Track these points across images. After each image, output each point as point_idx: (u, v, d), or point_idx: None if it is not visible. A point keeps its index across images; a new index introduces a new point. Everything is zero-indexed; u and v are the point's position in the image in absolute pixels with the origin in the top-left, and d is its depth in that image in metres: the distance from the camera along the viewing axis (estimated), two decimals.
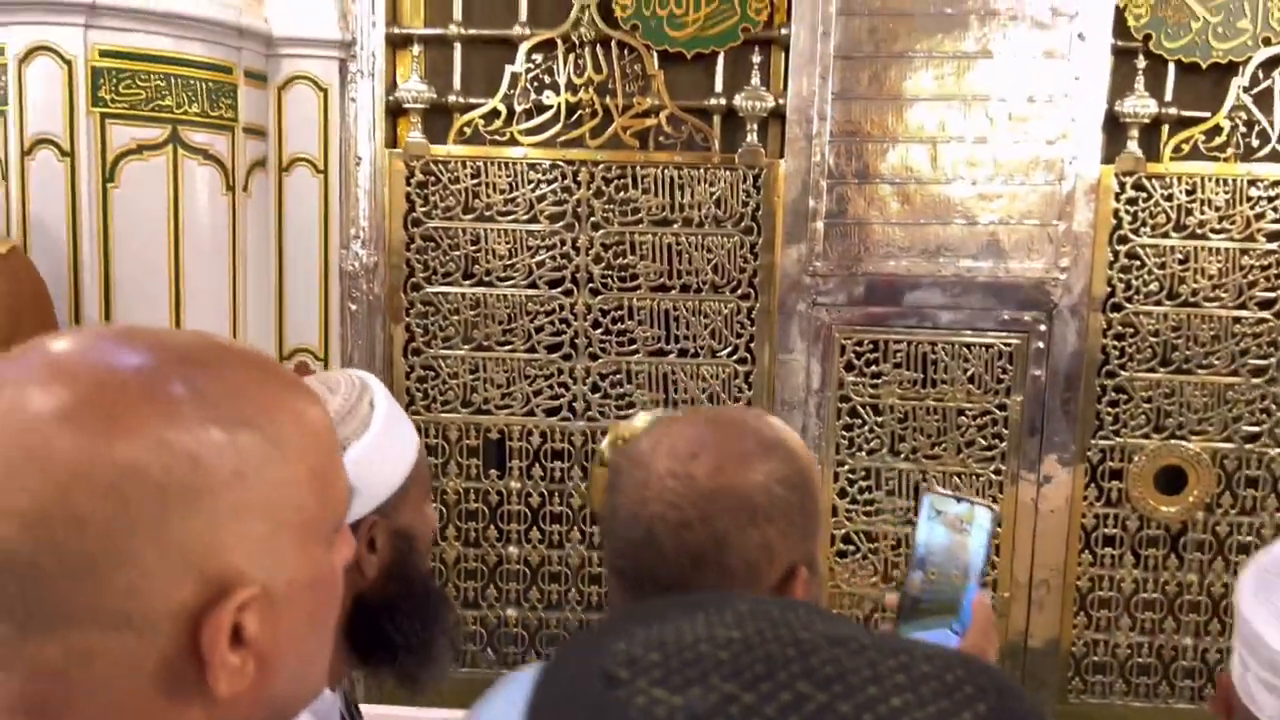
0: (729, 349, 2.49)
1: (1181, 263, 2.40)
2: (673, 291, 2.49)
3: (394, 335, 2.52)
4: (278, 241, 2.44)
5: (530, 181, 2.46)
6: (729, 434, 0.89)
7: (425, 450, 1.10)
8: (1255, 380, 2.41)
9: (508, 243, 2.48)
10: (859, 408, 2.48)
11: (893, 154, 2.40)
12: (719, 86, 2.44)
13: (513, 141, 2.46)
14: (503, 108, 2.45)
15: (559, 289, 2.49)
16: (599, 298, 2.48)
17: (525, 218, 2.47)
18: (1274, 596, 0.85)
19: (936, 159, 2.39)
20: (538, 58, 2.44)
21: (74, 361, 0.53)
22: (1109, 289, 2.42)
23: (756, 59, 2.42)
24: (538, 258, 2.48)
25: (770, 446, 0.89)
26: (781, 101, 2.41)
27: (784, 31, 2.39)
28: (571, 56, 2.43)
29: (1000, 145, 2.38)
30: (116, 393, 0.52)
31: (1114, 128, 2.39)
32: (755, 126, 2.43)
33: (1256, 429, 2.43)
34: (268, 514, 0.54)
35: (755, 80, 2.42)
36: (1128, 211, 2.40)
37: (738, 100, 2.42)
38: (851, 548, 2.52)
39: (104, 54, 2.12)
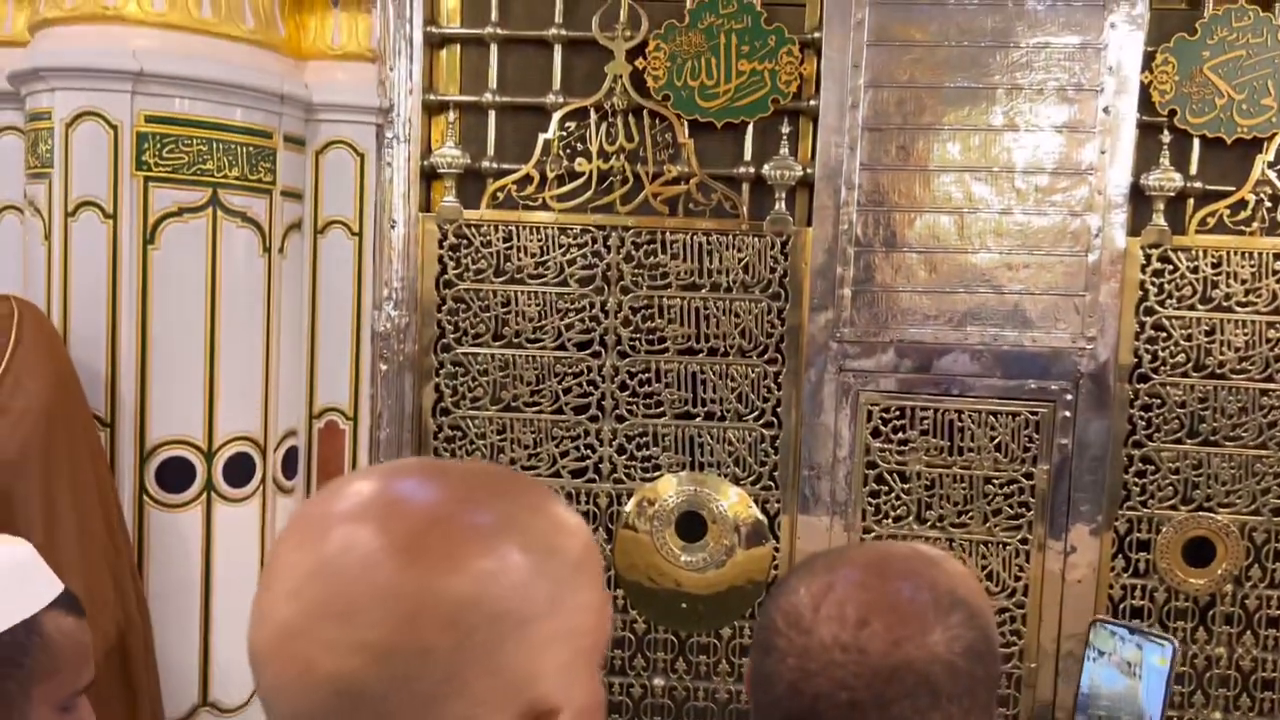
0: (755, 413, 2.50)
1: (1208, 335, 2.41)
2: (700, 355, 2.50)
3: (424, 395, 2.54)
4: (311, 302, 2.47)
5: (561, 245, 2.49)
6: (902, 591, 0.78)
7: None
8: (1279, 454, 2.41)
9: (537, 305, 2.51)
10: (885, 474, 2.48)
11: (920, 223, 2.42)
12: (748, 155, 2.48)
13: (544, 206, 2.50)
14: (535, 173, 2.49)
15: (587, 351, 2.51)
16: (626, 360, 2.50)
17: (555, 280, 2.50)
18: None
19: (963, 228, 2.42)
20: (571, 125, 2.49)
21: (397, 499, 0.56)
22: (1135, 360, 2.43)
23: (785, 129, 2.46)
24: (566, 320, 2.50)
25: (951, 606, 0.79)
26: (810, 170, 2.45)
27: (813, 103, 2.43)
28: (604, 125, 2.47)
29: (1026, 216, 2.40)
30: (446, 527, 0.54)
31: (1140, 200, 2.42)
32: (783, 195, 2.47)
33: None
34: (571, 640, 0.56)
35: (784, 150, 2.46)
36: (1154, 283, 2.41)
37: (766, 169, 2.46)
38: None
39: (149, 119, 2.17)
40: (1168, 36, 2.37)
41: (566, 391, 2.52)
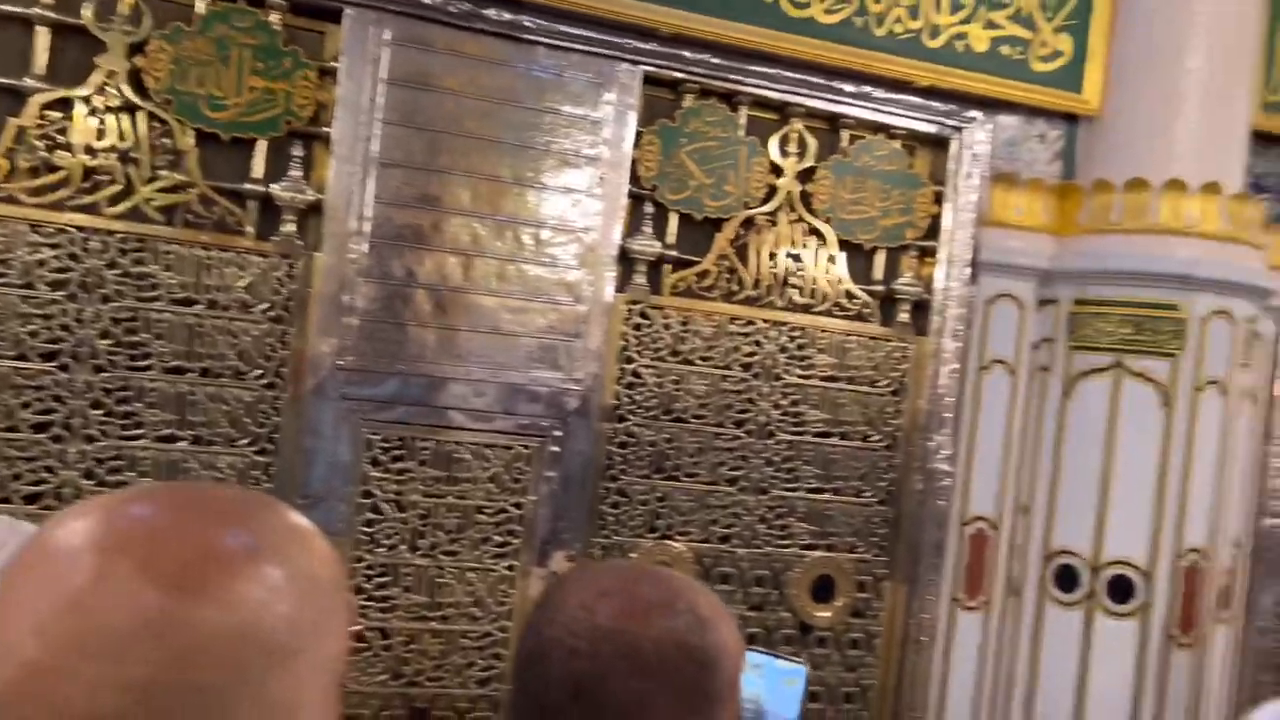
0: (249, 439, 2.42)
1: (675, 383, 2.75)
2: (190, 375, 2.37)
3: None
4: None
5: (30, 244, 2.24)
6: (644, 586, 0.95)
7: None
8: (729, 489, 2.80)
9: None
10: (381, 503, 2.50)
11: (429, 261, 2.51)
12: (259, 173, 2.42)
13: (11, 200, 2.24)
14: (4, 161, 2.23)
15: (53, 362, 2.27)
16: (102, 375, 2.30)
17: (19, 282, 2.24)
18: None
19: (470, 269, 2.55)
20: (54, 114, 2.26)
21: (150, 526, 0.51)
22: (615, 402, 2.70)
23: (299, 152, 2.43)
24: (30, 326, 2.25)
25: (682, 611, 0.93)
26: (322, 196, 2.44)
27: (328, 130, 2.44)
28: (93, 119, 2.28)
29: (528, 265, 2.59)
30: (211, 554, 0.51)
31: (626, 261, 2.71)
32: (293, 217, 2.43)
33: (729, 531, 2.81)
34: (328, 667, 0.55)
35: (297, 172, 2.43)
36: (634, 335, 2.71)
37: (276, 189, 2.41)
38: (363, 645, 2.51)
39: None
40: (656, 119, 2.70)
41: (25, 407, 2.26)
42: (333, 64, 2.44)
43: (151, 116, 2.33)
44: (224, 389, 2.40)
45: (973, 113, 2.92)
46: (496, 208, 2.56)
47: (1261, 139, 3.16)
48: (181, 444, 2.37)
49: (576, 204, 2.62)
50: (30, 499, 2.27)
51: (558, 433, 2.62)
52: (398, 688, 2.54)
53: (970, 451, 2.94)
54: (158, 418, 2.35)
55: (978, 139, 2.93)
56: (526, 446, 2.61)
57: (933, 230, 2.95)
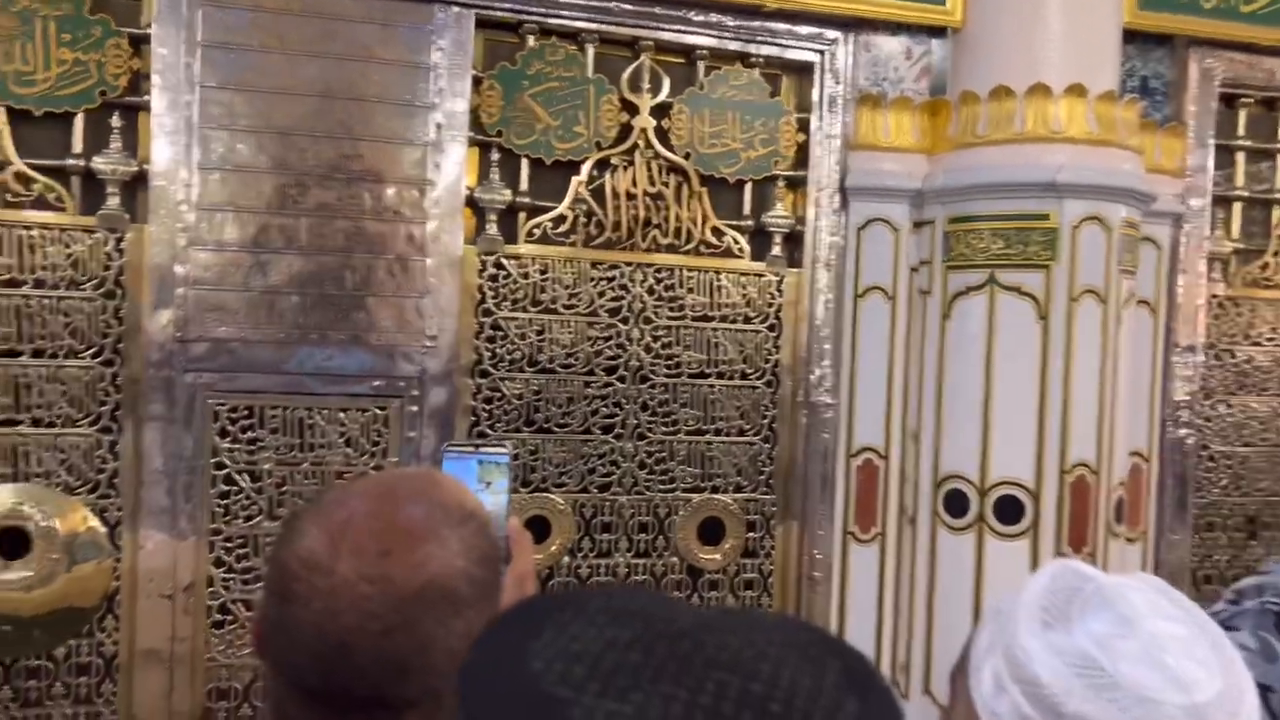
0: (91, 417, 2.38)
1: (539, 334, 2.70)
2: (23, 357, 2.34)
3: None
4: None
5: None
6: (415, 517, 0.79)
7: None
8: (604, 436, 2.75)
9: None
10: (234, 475, 2.47)
11: (262, 223, 2.46)
12: (78, 147, 2.37)
13: None
14: None
15: None
16: None
17: None
18: (1054, 634, 0.83)
19: (307, 230, 2.49)
20: None
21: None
22: (476, 357, 2.65)
23: (118, 122, 2.38)
24: None
25: (462, 519, 0.81)
26: (147, 167, 2.39)
27: (147, 98, 2.38)
28: None
29: (368, 220, 2.53)
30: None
31: (479, 211, 2.65)
32: (117, 190, 2.39)
33: (608, 479, 2.76)
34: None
35: (117, 144, 2.38)
36: (490, 287, 2.65)
37: (97, 162, 2.36)
38: (229, 618, 2.48)
39: None
40: (498, 63, 2.63)
41: None
42: (145, 30, 2.38)
43: None
44: (60, 369, 2.36)
45: (833, 34, 2.84)
46: (332, 165, 2.50)
47: (1149, 39, 3.06)
48: (21, 426, 2.34)
49: (416, 156, 2.56)
50: None
51: (415, 392, 2.58)
52: None
53: (853, 382, 2.87)
54: None
55: (839, 61, 2.85)
56: (382, 408, 2.57)
57: (800, 159, 2.88)
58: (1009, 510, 2.68)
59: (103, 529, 2.39)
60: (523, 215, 2.70)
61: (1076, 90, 2.64)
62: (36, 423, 2.35)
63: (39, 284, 2.34)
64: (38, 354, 2.35)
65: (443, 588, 0.77)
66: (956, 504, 2.75)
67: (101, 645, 2.41)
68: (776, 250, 2.87)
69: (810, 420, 2.86)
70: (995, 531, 2.69)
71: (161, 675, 2.43)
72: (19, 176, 2.33)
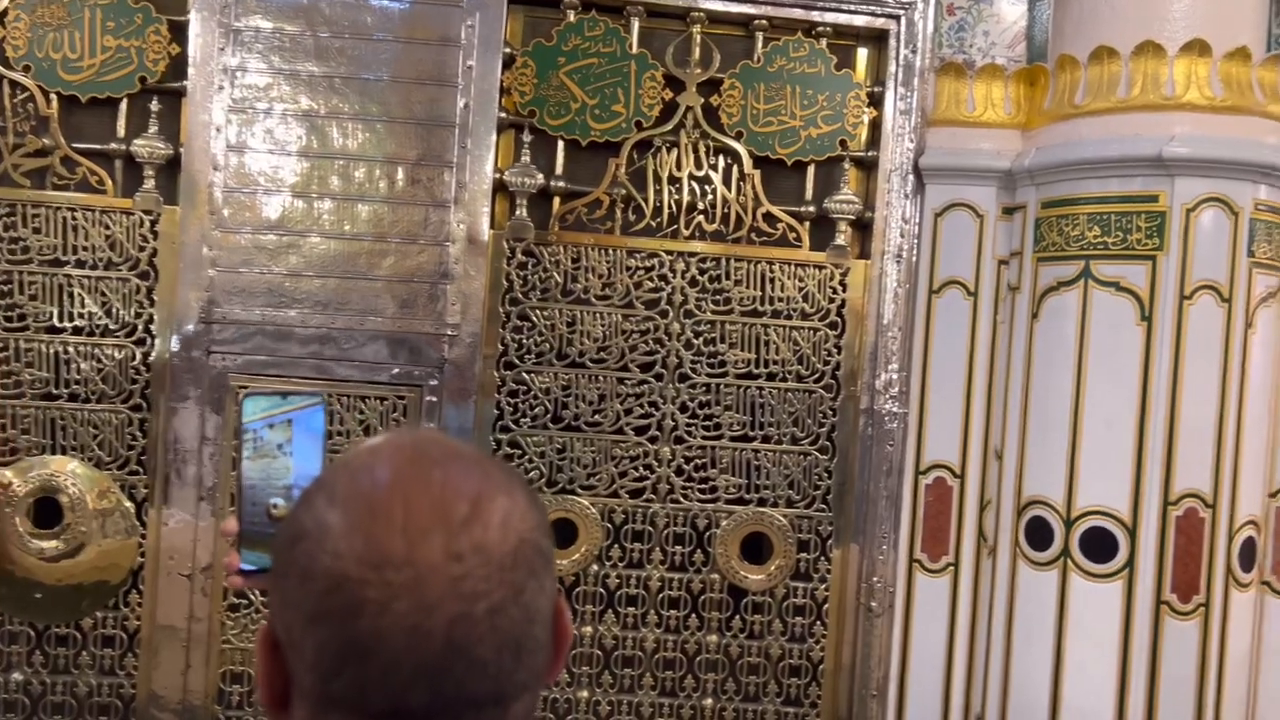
0: (123, 395, 2.44)
1: (569, 326, 2.54)
2: (65, 334, 2.42)
3: None
4: None
5: None
6: (472, 475, 0.65)
7: None
8: (638, 438, 2.55)
9: None
10: None
11: (289, 206, 2.44)
12: (121, 132, 2.44)
13: None
14: None
15: None
16: None
17: None
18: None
19: (332, 214, 2.45)
20: None
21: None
22: (502, 348, 2.52)
23: (156, 107, 2.43)
24: None
25: (500, 466, 0.68)
26: (181, 150, 2.43)
27: (184, 83, 2.42)
28: None
29: (391, 204, 2.46)
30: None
31: (505, 195, 2.53)
32: (153, 173, 2.44)
33: (641, 485, 2.56)
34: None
35: (155, 128, 2.44)
36: (518, 275, 2.52)
37: (135, 146, 2.42)
38: (244, 602, 2.47)
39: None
40: (529, 40, 2.51)
41: None
42: (183, 18, 2.42)
43: (14, 85, 2.40)
44: (97, 347, 2.43)
45: None
46: (361, 148, 2.45)
47: None
48: (59, 401, 2.43)
49: (441, 137, 2.47)
50: None
51: (433, 382, 2.48)
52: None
53: (924, 389, 2.53)
54: (35, 377, 2.41)
55: (917, 26, 2.52)
56: (402, 397, 2.49)
57: (871, 138, 2.57)
58: (1098, 545, 2.27)
59: (129, 505, 2.44)
60: (556, 200, 2.55)
61: (1196, 48, 2.21)
62: (74, 399, 2.43)
63: (79, 264, 2.42)
64: (78, 332, 2.43)
65: (534, 544, 0.65)
66: (1039, 534, 2.36)
67: (126, 620, 2.46)
68: (841, 239, 2.57)
69: (874, 430, 2.54)
70: (1082, 569, 2.28)
71: (179, 653, 2.45)
72: (65, 159, 2.42)
